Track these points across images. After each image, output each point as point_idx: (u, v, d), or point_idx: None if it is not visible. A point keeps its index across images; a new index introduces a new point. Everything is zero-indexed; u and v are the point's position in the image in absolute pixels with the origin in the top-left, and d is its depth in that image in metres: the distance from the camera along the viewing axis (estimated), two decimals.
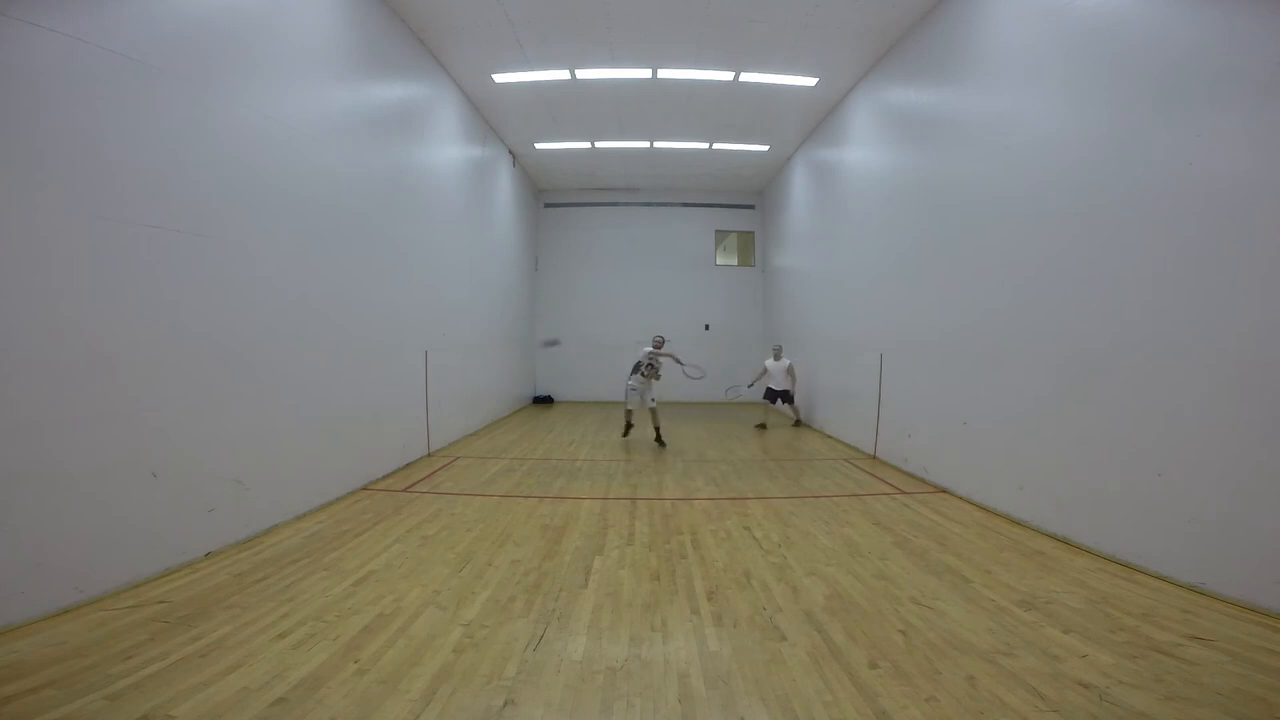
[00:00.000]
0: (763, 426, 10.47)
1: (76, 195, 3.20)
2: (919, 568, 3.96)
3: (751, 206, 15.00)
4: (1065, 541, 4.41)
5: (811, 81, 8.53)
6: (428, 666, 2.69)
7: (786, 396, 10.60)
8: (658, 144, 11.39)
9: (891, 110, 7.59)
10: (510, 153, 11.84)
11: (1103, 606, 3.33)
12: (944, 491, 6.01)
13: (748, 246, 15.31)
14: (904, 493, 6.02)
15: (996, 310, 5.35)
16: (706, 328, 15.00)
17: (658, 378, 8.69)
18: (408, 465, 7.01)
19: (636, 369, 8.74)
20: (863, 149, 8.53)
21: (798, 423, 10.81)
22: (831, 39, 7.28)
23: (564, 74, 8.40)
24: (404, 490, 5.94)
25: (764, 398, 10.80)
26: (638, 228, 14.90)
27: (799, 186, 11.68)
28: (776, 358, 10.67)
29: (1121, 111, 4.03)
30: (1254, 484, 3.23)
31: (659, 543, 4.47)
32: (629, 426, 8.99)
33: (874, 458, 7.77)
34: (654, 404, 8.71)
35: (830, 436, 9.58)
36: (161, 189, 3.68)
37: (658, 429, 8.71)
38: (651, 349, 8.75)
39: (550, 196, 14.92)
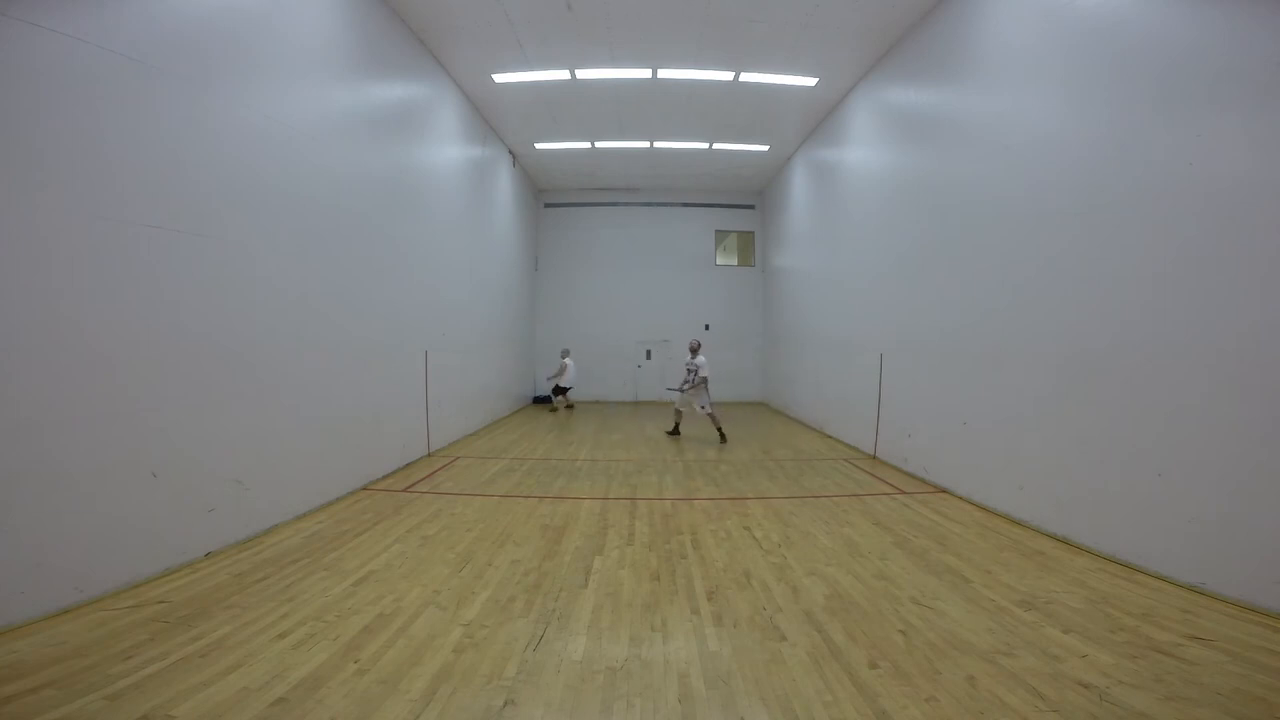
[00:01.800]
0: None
1: (76, 195, 3.20)
2: (919, 568, 3.96)
3: (751, 206, 15.00)
4: (1065, 541, 4.41)
5: (811, 81, 8.53)
6: (428, 666, 2.69)
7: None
8: (658, 144, 11.40)
9: (891, 110, 7.59)
10: (510, 153, 11.85)
11: (1103, 606, 3.33)
12: (944, 491, 6.01)
13: (748, 246, 15.32)
14: (904, 493, 6.02)
15: (996, 310, 5.35)
16: (707, 328, 15.00)
17: (695, 385, 8.93)
18: (408, 465, 7.02)
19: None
20: (863, 149, 8.53)
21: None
22: (831, 39, 7.28)
23: (564, 74, 8.40)
24: (404, 490, 5.94)
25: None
26: (638, 228, 14.91)
27: (799, 186, 11.69)
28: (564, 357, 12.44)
29: (1121, 111, 4.03)
30: (1254, 484, 3.24)
31: (659, 543, 4.47)
32: (675, 426, 9.56)
33: (874, 458, 7.77)
34: (706, 409, 8.92)
35: (830, 436, 9.59)
36: (161, 189, 3.68)
37: (718, 429, 9.10)
38: (689, 359, 9.19)
39: (550, 196, 14.92)
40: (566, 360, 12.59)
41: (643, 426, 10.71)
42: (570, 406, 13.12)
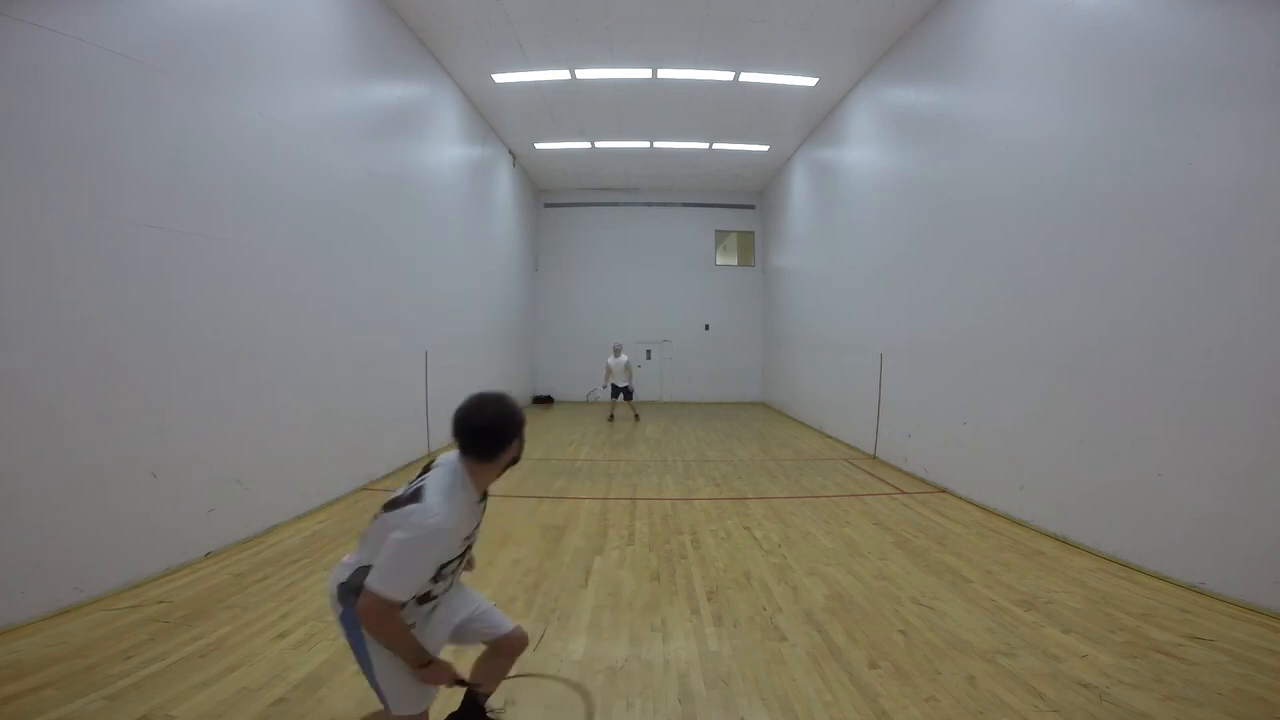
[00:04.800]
0: (612, 418, 11.42)
1: (77, 196, 3.20)
2: (919, 568, 3.96)
3: (751, 206, 15.00)
4: (1065, 541, 4.41)
5: (811, 81, 8.53)
6: None
7: (627, 393, 11.33)
8: (658, 144, 11.40)
9: (891, 110, 7.59)
10: (510, 153, 11.84)
11: (1103, 606, 3.33)
12: (944, 491, 6.01)
13: (748, 246, 15.31)
14: (904, 493, 6.02)
15: (996, 310, 5.35)
16: (706, 328, 15.01)
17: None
18: (408, 465, 7.01)
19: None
20: (862, 149, 8.53)
21: (637, 417, 11.53)
22: (831, 39, 7.28)
23: (564, 74, 8.40)
24: None
25: (611, 396, 11.49)
26: (638, 228, 14.91)
27: (799, 186, 11.69)
28: (616, 355, 11.31)
29: (1121, 112, 4.03)
30: (1254, 484, 3.23)
31: (659, 543, 4.47)
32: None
33: (874, 458, 7.77)
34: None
35: (830, 436, 9.58)
36: (162, 189, 3.68)
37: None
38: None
39: (550, 196, 14.92)
40: (611, 360, 11.26)
41: (643, 426, 10.72)
42: (637, 417, 11.47)
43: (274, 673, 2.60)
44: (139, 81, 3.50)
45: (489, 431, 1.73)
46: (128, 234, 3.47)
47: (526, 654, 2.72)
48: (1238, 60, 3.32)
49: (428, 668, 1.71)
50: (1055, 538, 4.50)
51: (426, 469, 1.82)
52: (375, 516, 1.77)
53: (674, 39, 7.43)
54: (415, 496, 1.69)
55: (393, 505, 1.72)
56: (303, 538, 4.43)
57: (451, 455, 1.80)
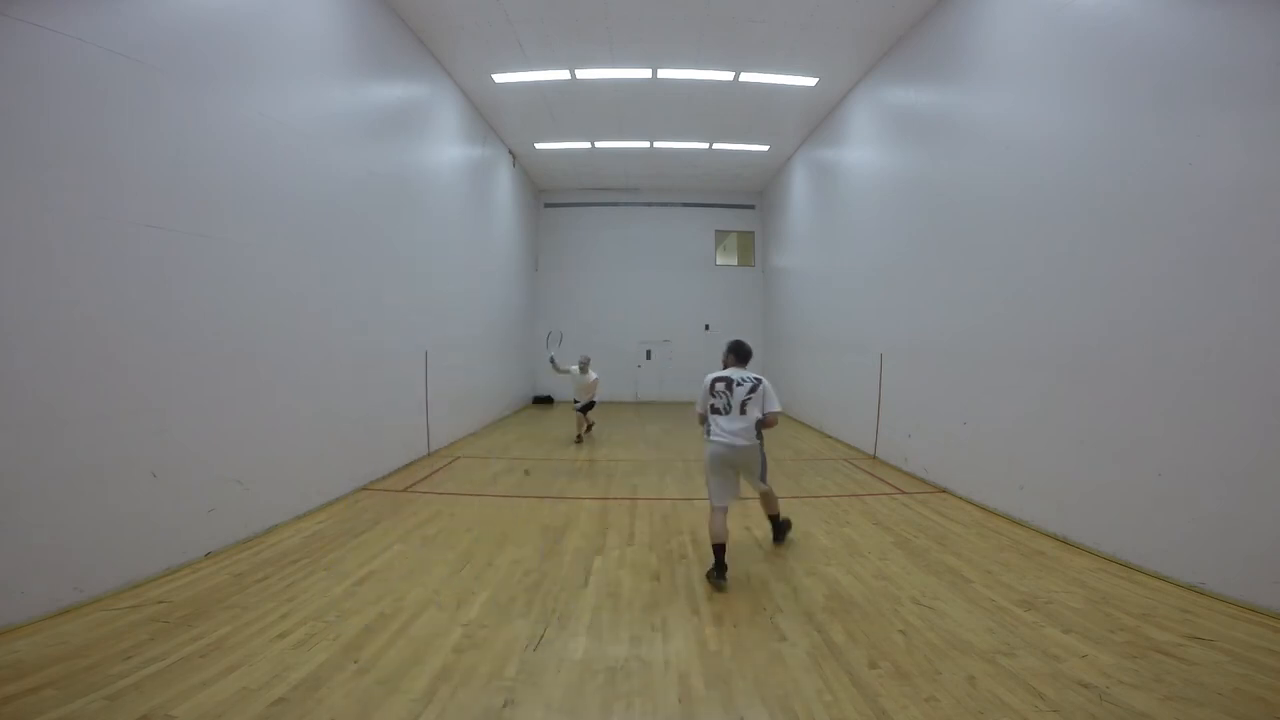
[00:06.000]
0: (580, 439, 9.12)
1: (78, 196, 3.20)
2: (919, 568, 3.96)
3: (751, 206, 15.00)
4: (1065, 541, 4.41)
5: (811, 81, 8.53)
6: (428, 666, 2.69)
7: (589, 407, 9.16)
8: (658, 144, 11.40)
9: (891, 111, 7.59)
10: (510, 153, 11.84)
11: (1103, 606, 3.33)
12: (944, 491, 6.00)
13: (748, 246, 15.31)
14: (904, 493, 6.02)
15: (997, 310, 5.35)
16: (706, 328, 15.00)
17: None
18: (408, 465, 7.01)
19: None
20: (862, 149, 8.53)
21: (591, 427, 9.40)
22: (831, 39, 7.28)
23: (564, 74, 8.40)
24: (404, 490, 5.94)
25: (584, 410, 9.17)
26: (638, 228, 14.91)
27: (799, 187, 11.69)
28: (583, 371, 9.03)
29: (1121, 112, 4.03)
30: (1254, 484, 3.23)
31: (659, 543, 4.47)
32: None
33: (874, 458, 7.77)
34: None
35: (830, 436, 9.59)
36: (162, 189, 3.68)
37: None
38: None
39: (550, 196, 14.92)
40: (591, 373, 9.13)
41: (643, 427, 10.72)
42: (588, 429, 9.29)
43: (274, 673, 2.60)
44: (139, 81, 3.50)
45: (750, 352, 4.07)
46: (128, 234, 3.47)
47: (529, 654, 2.75)
48: (1238, 60, 3.32)
49: None
50: (1055, 538, 4.50)
51: (730, 382, 3.86)
52: (743, 404, 3.80)
53: (674, 39, 7.44)
54: (755, 379, 3.86)
55: (750, 394, 3.82)
56: (303, 538, 4.43)
57: (720, 372, 3.97)
